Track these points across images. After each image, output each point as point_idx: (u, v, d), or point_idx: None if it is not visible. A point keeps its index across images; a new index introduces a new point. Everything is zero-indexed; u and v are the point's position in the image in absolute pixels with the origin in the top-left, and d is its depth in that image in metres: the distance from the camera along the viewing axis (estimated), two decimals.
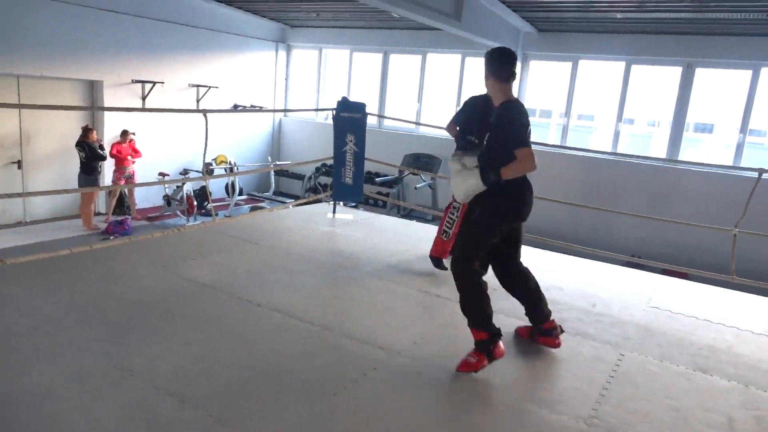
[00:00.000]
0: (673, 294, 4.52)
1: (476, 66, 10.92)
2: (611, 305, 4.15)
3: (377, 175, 10.90)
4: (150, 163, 10.18)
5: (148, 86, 10.32)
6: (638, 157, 9.38)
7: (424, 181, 10.21)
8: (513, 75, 3.11)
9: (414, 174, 10.22)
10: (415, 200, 10.65)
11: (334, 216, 6.16)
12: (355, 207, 9.20)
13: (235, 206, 10.93)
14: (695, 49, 8.84)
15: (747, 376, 3.18)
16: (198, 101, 11.28)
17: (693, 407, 2.83)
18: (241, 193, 11.42)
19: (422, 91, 11.40)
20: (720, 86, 9.31)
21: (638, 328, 3.78)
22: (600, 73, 10.07)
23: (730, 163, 8.80)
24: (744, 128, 8.74)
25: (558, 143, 9.98)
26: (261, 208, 10.65)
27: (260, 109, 12.48)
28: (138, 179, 9.69)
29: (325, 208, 6.57)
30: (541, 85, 10.57)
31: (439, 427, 2.52)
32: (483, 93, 3.60)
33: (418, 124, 10.75)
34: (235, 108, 12.04)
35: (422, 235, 5.77)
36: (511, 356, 3.22)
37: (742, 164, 8.67)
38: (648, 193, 9.12)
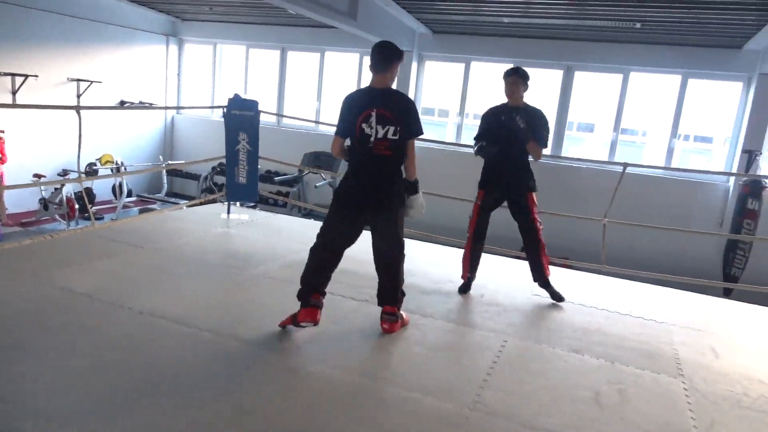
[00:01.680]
0: (553, 282, 4.83)
1: None
2: (498, 295, 4.37)
3: (277, 174, 10.73)
4: (22, 163, 9.32)
5: (19, 79, 9.44)
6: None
7: (324, 179, 10.18)
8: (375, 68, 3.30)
9: (314, 173, 10.17)
10: (316, 199, 10.59)
11: (228, 217, 5.99)
12: (254, 207, 9.00)
13: (123, 209, 10.28)
14: (574, 54, 9.51)
15: (613, 354, 3.48)
16: (79, 97, 10.48)
17: (565, 385, 3.05)
18: (129, 195, 10.77)
19: (321, 90, 11.36)
20: (597, 89, 10.08)
21: (521, 315, 4.02)
22: (491, 75, 10.55)
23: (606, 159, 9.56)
24: (617, 127, 9.54)
25: (454, 141, 10.34)
26: (152, 209, 10.11)
27: (150, 106, 11.83)
28: (7, 182, 8.83)
29: (220, 208, 6.36)
30: (437, 85, 10.90)
31: (329, 421, 2.53)
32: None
33: (317, 122, 10.69)
34: (122, 105, 11.33)
35: None
36: (400, 345, 3.30)
37: (615, 159, 9.45)
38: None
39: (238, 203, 6.60)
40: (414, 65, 10.36)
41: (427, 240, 6.00)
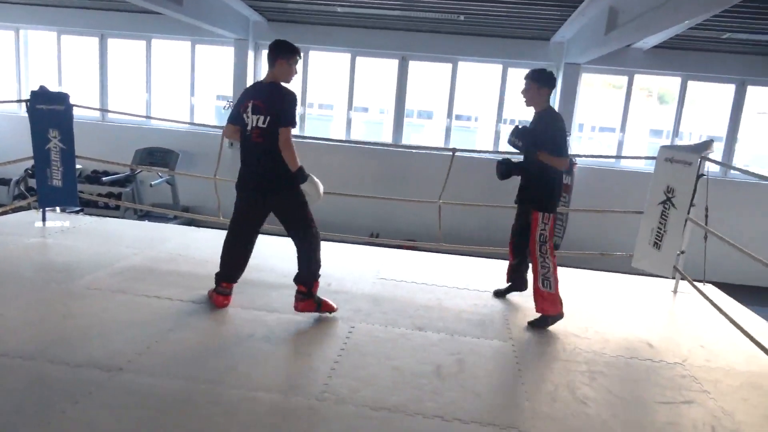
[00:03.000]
0: (398, 265, 5.02)
1: (208, 54, 10.51)
2: (345, 282, 4.41)
3: (105, 174, 9.76)
4: None
5: None
6: (368, 143, 10.19)
7: (161, 177, 9.50)
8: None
9: (148, 171, 9.42)
10: (152, 199, 9.85)
11: (44, 224, 5.31)
12: (79, 212, 8.11)
13: None
14: (408, 44, 9.88)
15: (453, 327, 3.70)
16: None
17: (410, 363, 3.17)
18: None
19: (150, 81, 10.53)
20: (431, 77, 10.61)
21: (368, 300, 4.10)
22: (331, 64, 10.59)
23: (442, 145, 10.13)
24: (450, 114, 10.14)
25: (297, 134, 10.23)
26: None
27: None
28: None
29: (34, 216, 5.61)
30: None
31: None
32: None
33: (148, 117, 9.92)
34: None
35: (155, 236, 5.35)
36: (245, 345, 3.19)
37: (450, 145, 10.06)
38: (382, 175, 9.96)
39: (57, 209, 5.89)
40: (251, 54, 10.03)
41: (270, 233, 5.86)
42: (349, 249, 5.54)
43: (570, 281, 5.05)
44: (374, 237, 9.72)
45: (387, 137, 10.47)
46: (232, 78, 10.00)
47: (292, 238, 3.63)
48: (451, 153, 5.13)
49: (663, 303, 4.67)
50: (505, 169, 3.92)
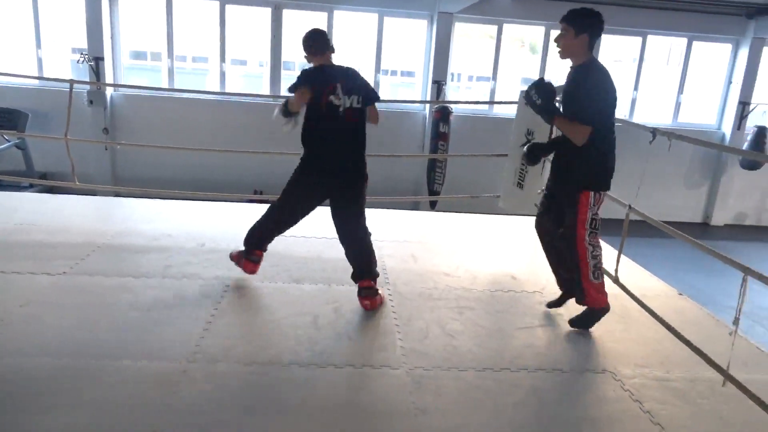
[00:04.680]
0: None
1: None
2: (221, 242, 4.27)
3: None
4: None
5: None
6: (247, 95, 9.79)
7: (8, 140, 8.49)
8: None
9: None
10: (1, 166, 8.83)
11: None
12: None
13: None
14: None
15: (330, 277, 3.74)
16: None
17: (287, 315, 3.18)
18: None
19: None
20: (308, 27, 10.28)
21: None
22: (200, 14, 9.90)
23: None
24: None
25: (167, 86, 9.58)
26: None
27: None
28: None
29: None
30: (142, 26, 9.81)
31: (32, 419, 2.18)
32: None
33: None
34: None
35: (5, 205, 4.82)
36: (112, 314, 3.02)
37: None
38: (260, 129, 9.64)
39: None
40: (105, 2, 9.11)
41: (143, 196, 5.53)
42: (227, 207, 5.35)
43: (444, 225, 5.29)
44: (258, 194, 9.51)
45: (267, 91, 10.10)
46: (86, 28, 9.06)
47: (342, 231, 3.40)
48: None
49: (527, 239, 5.02)
50: (535, 153, 3.32)
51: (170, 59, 9.61)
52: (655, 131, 3.29)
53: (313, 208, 3.48)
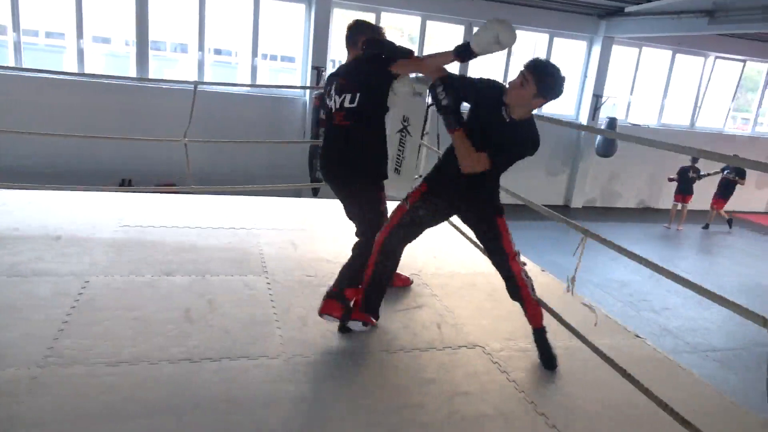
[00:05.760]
0: (146, 210, 4.61)
1: None
2: (79, 234, 3.91)
3: None
4: None
5: None
6: (110, 77, 9.04)
7: None
8: None
9: None
10: None
11: None
12: None
13: None
14: None
15: (204, 268, 3.56)
16: None
17: (155, 311, 2.98)
18: None
19: None
20: (180, 8, 9.67)
21: (107, 251, 3.70)
22: None
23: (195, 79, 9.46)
24: (202, 47, 9.46)
25: (14, 64, 8.54)
26: None
27: None
28: None
29: None
30: None
31: None
32: None
33: None
34: None
35: None
36: None
37: (206, 79, 9.46)
38: (127, 114, 8.95)
39: None
40: None
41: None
42: (88, 197, 4.89)
43: (326, 212, 5.25)
44: (126, 185, 8.84)
45: (133, 72, 9.37)
46: None
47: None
48: (192, 87, 4.79)
49: None
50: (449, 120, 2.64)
51: (16, 33, 8.56)
52: None
53: (344, 206, 3.23)
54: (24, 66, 8.66)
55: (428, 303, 3.44)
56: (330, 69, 10.06)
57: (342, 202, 3.23)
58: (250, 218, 4.64)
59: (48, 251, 3.56)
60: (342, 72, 3.01)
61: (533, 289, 2.87)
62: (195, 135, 4.71)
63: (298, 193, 9.54)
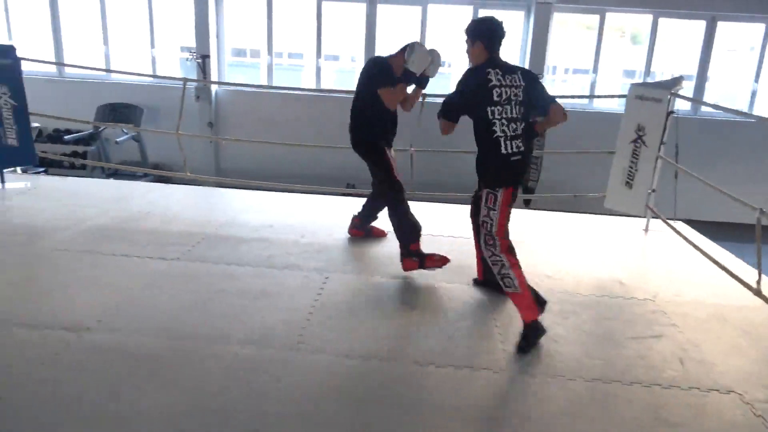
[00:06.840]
0: None
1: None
2: (319, 234, 4.36)
3: (67, 132, 9.39)
4: None
5: None
6: (341, 92, 9.94)
7: (126, 133, 9.17)
8: None
9: (113, 128, 9.08)
10: (121, 157, 9.55)
11: (2, 186, 5.10)
12: (44, 172, 7.86)
13: None
14: None
15: (429, 273, 3.67)
16: None
17: (386, 312, 3.17)
18: None
19: (107, 33, 10.01)
20: (403, 21, 10.28)
21: (342, 251, 4.06)
22: (296, 9, 10.15)
23: None
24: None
25: (266, 83, 9.93)
26: None
27: None
28: None
29: None
30: (243, 25, 10.24)
31: (144, 396, 2.32)
32: None
33: (108, 71, 9.50)
34: None
35: (121, 194, 5.20)
36: (217, 302, 3.14)
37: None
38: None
39: (18, 170, 5.67)
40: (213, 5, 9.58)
41: (242, 187, 5.77)
42: (324, 200, 5.45)
43: (545, 224, 5.08)
44: (350, 187, 9.64)
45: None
46: (194, 28, 9.58)
47: None
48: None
49: (635, 241, 4.73)
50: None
51: (269, 56, 9.95)
52: None
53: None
54: (273, 83, 10.01)
55: (667, 333, 3.09)
56: (547, 75, 9.74)
57: None
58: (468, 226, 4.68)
59: (294, 247, 4.03)
60: None
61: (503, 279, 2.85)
62: (420, 145, 4.93)
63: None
